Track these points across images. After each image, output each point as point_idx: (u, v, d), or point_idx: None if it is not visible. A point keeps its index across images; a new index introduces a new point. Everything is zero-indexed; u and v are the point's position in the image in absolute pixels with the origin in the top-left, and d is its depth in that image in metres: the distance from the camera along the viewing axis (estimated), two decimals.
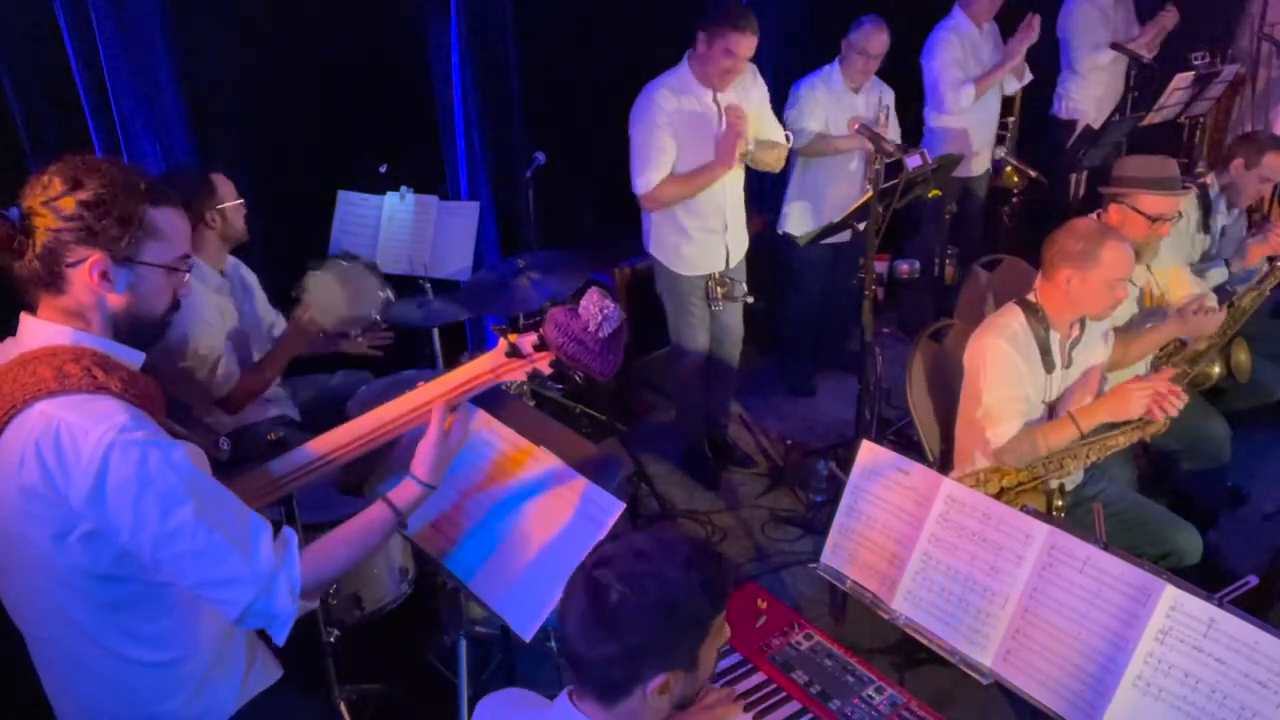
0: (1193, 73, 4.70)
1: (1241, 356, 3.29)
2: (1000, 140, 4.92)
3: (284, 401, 2.87)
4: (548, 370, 1.73)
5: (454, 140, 4.04)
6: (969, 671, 1.84)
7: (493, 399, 1.92)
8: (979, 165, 4.72)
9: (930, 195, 3.49)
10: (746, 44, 3.18)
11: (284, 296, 2.96)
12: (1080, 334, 2.63)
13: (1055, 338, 2.58)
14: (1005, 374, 2.50)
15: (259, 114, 3.42)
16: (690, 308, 3.61)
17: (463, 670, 2.46)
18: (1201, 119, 5.17)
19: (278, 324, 2.92)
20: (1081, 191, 5.40)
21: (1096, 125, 4.67)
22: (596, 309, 1.64)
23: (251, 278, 2.88)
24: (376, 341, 3.06)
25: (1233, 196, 3.61)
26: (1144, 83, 4.74)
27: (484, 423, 1.97)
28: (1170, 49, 4.97)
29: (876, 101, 4.07)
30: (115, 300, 1.49)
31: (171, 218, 1.52)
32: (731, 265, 3.60)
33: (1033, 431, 2.47)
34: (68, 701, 1.64)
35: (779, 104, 3.68)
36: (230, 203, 2.64)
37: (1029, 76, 4.71)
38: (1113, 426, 2.46)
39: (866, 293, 3.09)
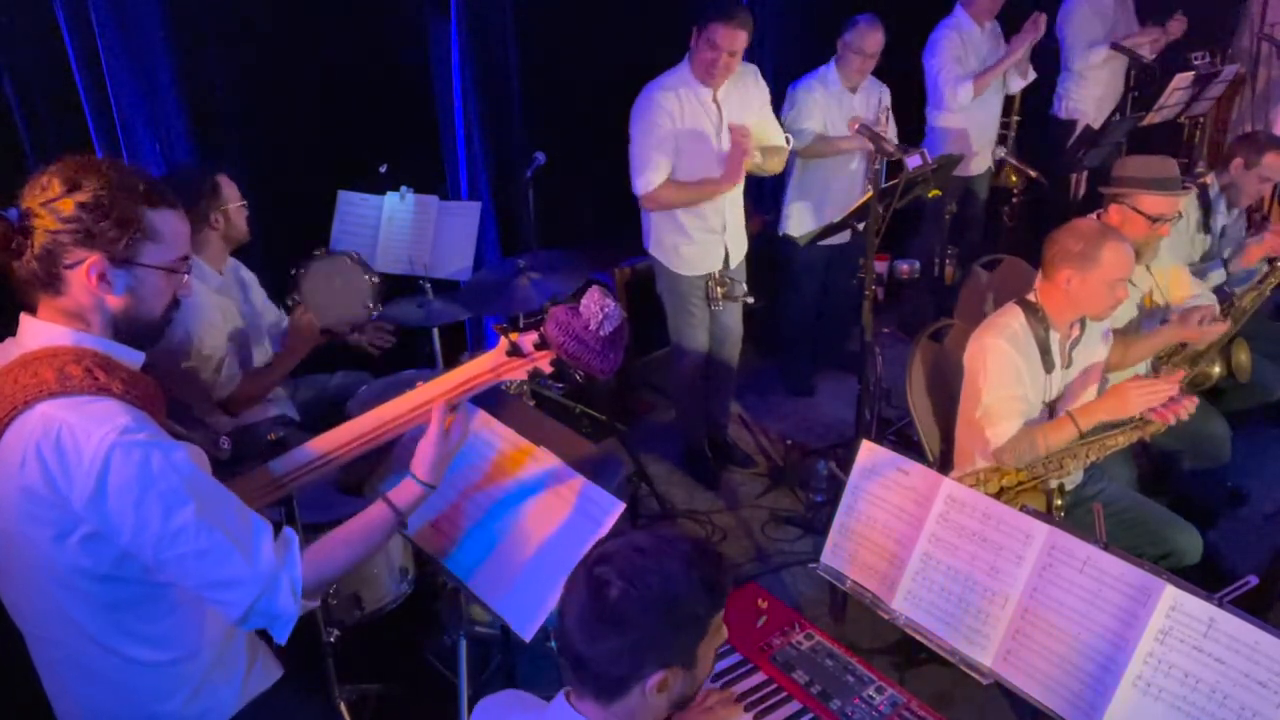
0: (1193, 73, 4.70)
1: (1241, 356, 3.29)
2: (1002, 140, 4.92)
3: (284, 401, 2.87)
4: (549, 369, 1.74)
5: (454, 140, 4.04)
6: (969, 671, 1.84)
7: (493, 399, 1.93)
8: (980, 164, 4.72)
9: (930, 195, 3.49)
10: (729, 36, 3.14)
11: (284, 296, 2.97)
12: (1080, 334, 2.64)
13: (1055, 338, 2.58)
14: (1005, 374, 2.50)
15: (259, 114, 3.42)
16: (690, 308, 3.61)
17: (463, 670, 2.46)
18: (1201, 119, 5.17)
19: (280, 321, 2.93)
20: (1081, 191, 5.40)
21: (1096, 125, 4.67)
22: (598, 308, 1.65)
23: (250, 277, 2.89)
24: (378, 341, 3.08)
25: (1233, 196, 3.61)
26: (1144, 83, 4.75)
27: (484, 422, 1.97)
28: (1170, 49, 4.97)
29: (876, 102, 4.06)
30: (114, 302, 1.48)
31: (170, 219, 1.51)
32: (732, 266, 3.59)
33: (1032, 431, 2.47)
34: (68, 701, 1.64)
35: (775, 106, 3.68)
36: (234, 204, 2.65)
37: (1032, 75, 4.70)
38: (1112, 426, 2.47)
39: (866, 293, 3.09)
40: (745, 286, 3.63)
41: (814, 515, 3.62)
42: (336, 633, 2.39)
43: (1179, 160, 3.01)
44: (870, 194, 3.08)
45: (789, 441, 4.18)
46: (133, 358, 1.54)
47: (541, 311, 1.73)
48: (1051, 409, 2.60)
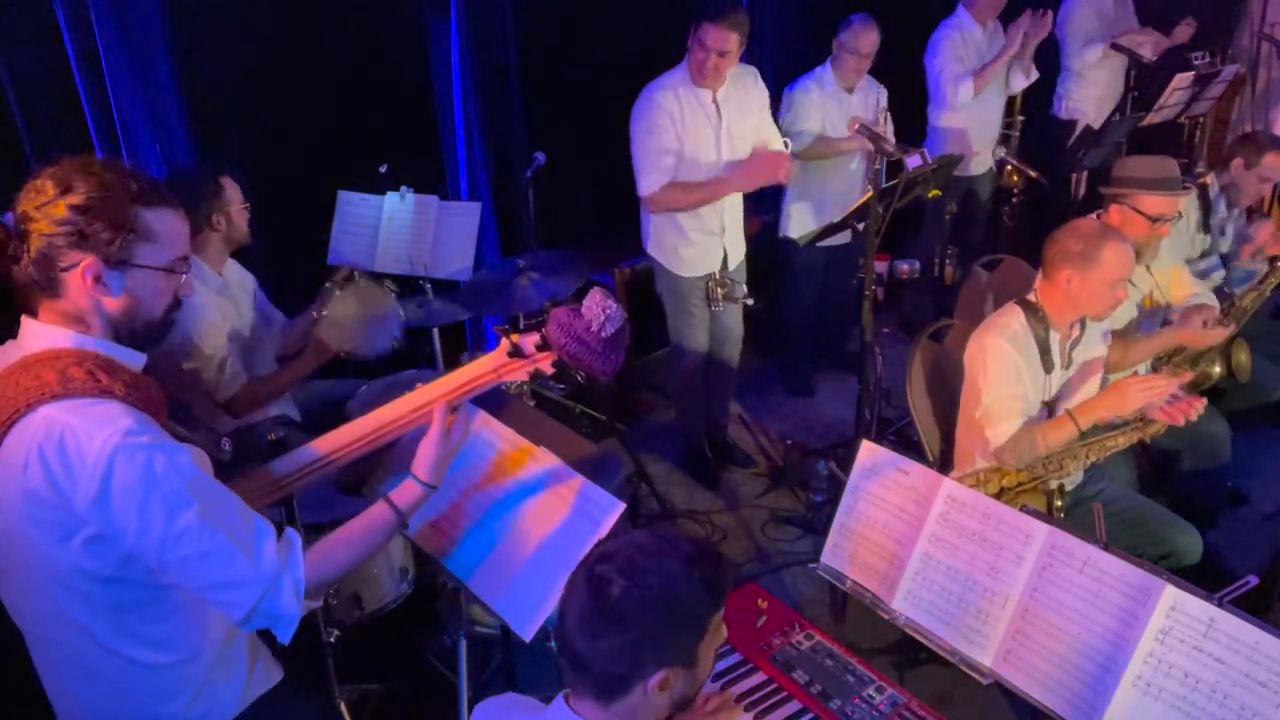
0: (1193, 73, 4.70)
1: (1242, 356, 3.29)
2: (1005, 140, 4.92)
3: (284, 401, 2.87)
4: (550, 370, 1.74)
5: (454, 140, 4.04)
6: (969, 671, 1.84)
7: (493, 399, 1.93)
8: (981, 165, 4.72)
9: (930, 195, 3.49)
10: (720, 37, 3.12)
11: (284, 296, 2.96)
12: (1080, 334, 2.64)
13: (1055, 338, 2.58)
14: (1005, 373, 2.50)
15: (259, 114, 3.42)
16: (690, 308, 3.61)
17: (463, 670, 2.46)
18: (1201, 119, 5.18)
19: (278, 319, 2.92)
20: (1082, 191, 5.40)
21: (1096, 125, 4.67)
22: (599, 309, 1.66)
23: (249, 277, 2.88)
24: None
25: (1233, 196, 3.61)
26: (1144, 83, 4.75)
27: (484, 422, 1.97)
28: (1170, 49, 4.97)
29: (874, 102, 4.05)
30: (112, 303, 1.48)
31: (167, 219, 1.50)
32: (730, 267, 3.59)
33: (1032, 430, 2.47)
34: (69, 702, 1.64)
35: (773, 108, 3.67)
36: (236, 206, 2.64)
37: (1035, 74, 4.68)
38: (1113, 426, 2.47)
39: (866, 293, 3.09)
40: (745, 288, 3.63)
41: (814, 515, 3.62)
42: (337, 633, 2.39)
43: (1179, 160, 3.01)
44: (870, 194, 3.08)
45: (789, 441, 4.18)
46: (134, 359, 1.54)
47: (542, 312, 1.73)
48: (1051, 409, 2.60)
